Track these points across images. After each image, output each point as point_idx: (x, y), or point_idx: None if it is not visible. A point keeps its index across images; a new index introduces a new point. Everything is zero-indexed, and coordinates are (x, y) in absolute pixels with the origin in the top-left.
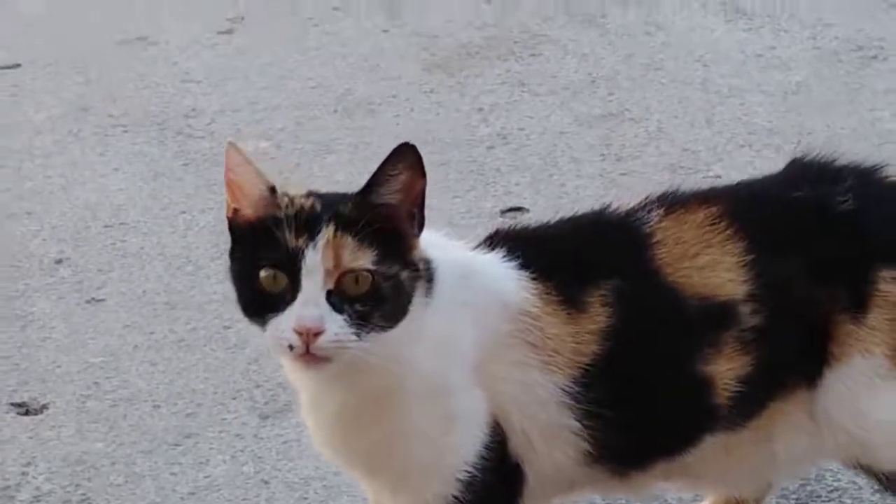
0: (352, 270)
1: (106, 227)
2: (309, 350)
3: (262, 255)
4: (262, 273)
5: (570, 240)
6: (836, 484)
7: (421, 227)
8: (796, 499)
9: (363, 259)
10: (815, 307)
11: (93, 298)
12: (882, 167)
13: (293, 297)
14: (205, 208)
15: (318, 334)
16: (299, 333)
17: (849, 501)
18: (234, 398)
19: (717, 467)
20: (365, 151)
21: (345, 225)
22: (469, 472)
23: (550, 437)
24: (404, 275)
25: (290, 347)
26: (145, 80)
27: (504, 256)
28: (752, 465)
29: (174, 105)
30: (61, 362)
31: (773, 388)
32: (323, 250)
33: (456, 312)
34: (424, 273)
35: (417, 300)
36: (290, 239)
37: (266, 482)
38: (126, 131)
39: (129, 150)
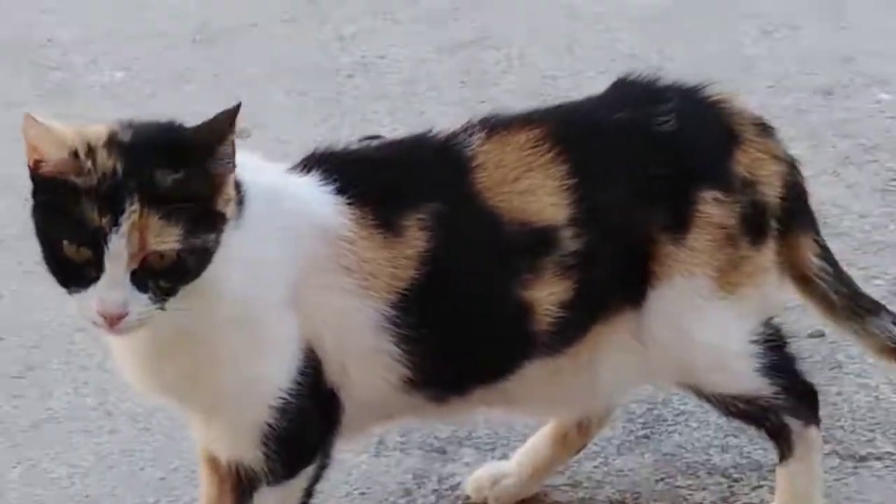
0: (156, 251)
1: None
2: (113, 328)
3: (64, 229)
4: (66, 244)
5: (389, 163)
6: (682, 408)
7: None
8: (643, 422)
9: (169, 239)
10: (637, 229)
11: None
12: (705, 87)
13: (97, 275)
14: None
15: (121, 317)
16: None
17: (695, 424)
18: (78, 330)
19: (539, 393)
20: (225, 81)
21: (151, 201)
22: (283, 399)
23: (368, 363)
24: (212, 237)
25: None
26: (0, 9)
27: (320, 179)
28: (576, 389)
29: (29, 35)
30: None
31: (596, 312)
32: (128, 234)
33: (268, 236)
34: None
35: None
36: (93, 217)
37: (109, 413)
38: None
39: None
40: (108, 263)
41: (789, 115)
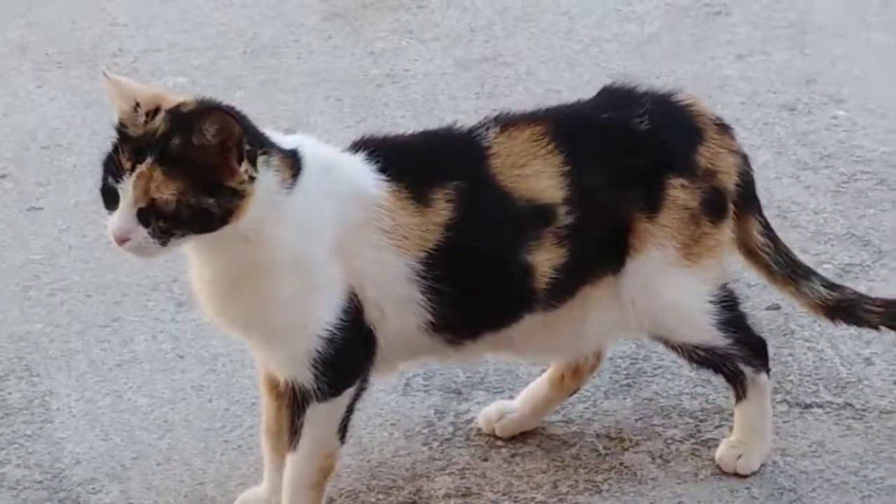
0: (154, 199)
1: (43, 147)
2: (120, 247)
3: (109, 165)
4: (107, 175)
5: (422, 148)
6: (659, 363)
7: (250, 159)
8: (626, 373)
9: (166, 192)
10: (619, 209)
11: (32, 207)
12: (675, 94)
13: (116, 204)
14: None
15: (125, 240)
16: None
17: (669, 376)
18: (154, 290)
19: (536, 341)
20: (270, 88)
21: (162, 159)
22: (329, 331)
23: (400, 307)
24: (210, 202)
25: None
26: (77, 23)
27: (366, 158)
28: (567, 338)
29: (103, 45)
30: (6, 258)
31: (584, 275)
32: (136, 179)
33: (319, 200)
34: (290, 165)
35: (277, 191)
36: (123, 160)
37: (182, 357)
38: (61, 67)
39: (63, 84)
40: (122, 198)
41: (758, 127)
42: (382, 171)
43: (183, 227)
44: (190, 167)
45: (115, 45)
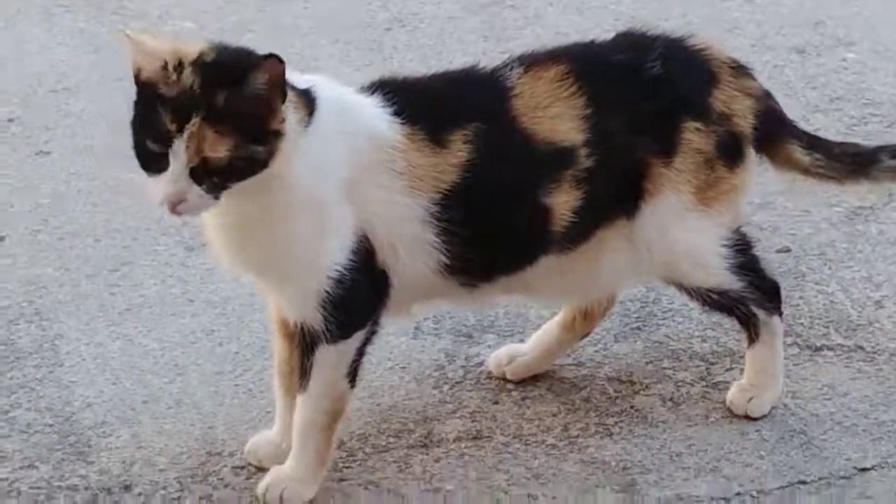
0: (208, 157)
1: (51, 91)
2: (175, 210)
3: (147, 127)
4: (147, 140)
5: (442, 90)
6: (669, 306)
7: (284, 97)
8: (637, 317)
9: (220, 148)
10: (635, 153)
11: (41, 151)
12: (688, 38)
13: (165, 168)
14: None
15: (180, 201)
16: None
17: (679, 319)
18: (163, 234)
19: (551, 283)
20: (280, 32)
21: (210, 116)
22: (338, 272)
23: (414, 249)
24: (260, 150)
25: (161, 204)
26: None
27: (382, 99)
28: (582, 281)
29: None
30: (15, 202)
31: (600, 219)
32: (187, 140)
33: (333, 140)
34: (306, 104)
35: (294, 129)
36: (166, 122)
37: (191, 301)
38: (68, 11)
39: (71, 28)
40: (173, 160)
41: (768, 70)
42: (398, 112)
43: (235, 177)
44: (240, 119)
45: None
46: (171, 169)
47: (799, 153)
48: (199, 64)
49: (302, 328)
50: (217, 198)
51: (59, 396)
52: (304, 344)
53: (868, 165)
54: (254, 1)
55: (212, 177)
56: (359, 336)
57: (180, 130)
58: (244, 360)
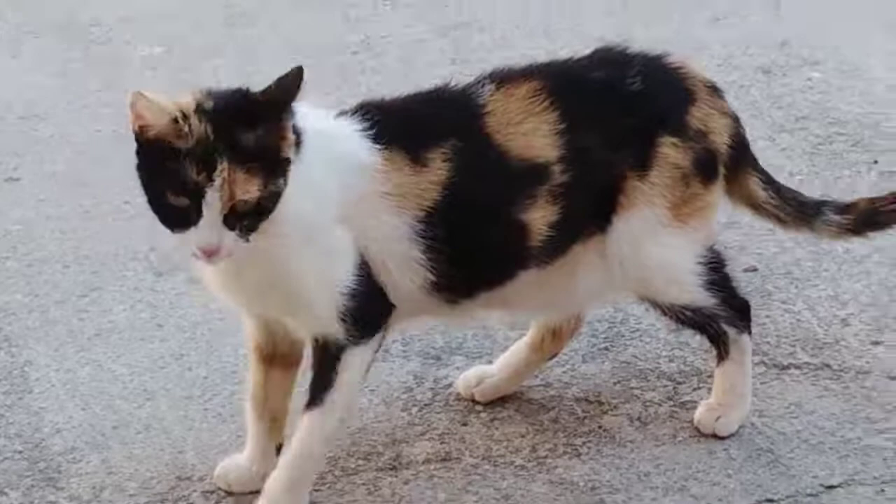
0: (241, 200)
1: (20, 118)
2: (209, 259)
3: (168, 182)
4: (170, 195)
5: (417, 110)
6: (637, 326)
7: (291, 118)
8: (605, 337)
9: (252, 189)
10: (610, 168)
11: (10, 177)
12: (665, 56)
13: (197, 219)
14: (106, 103)
15: (217, 251)
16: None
17: (647, 339)
18: (132, 259)
19: (529, 298)
20: (248, 56)
21: (236, 160)
22: (349, 287)
23: (402, 267)
24: (281, 181)
25: (195, 255)
26: None
27: (361, 124)
28: (559, 296)
29: (78, 15)
30: None
31: (575, 234)
32: (220, 188)
33: (321, 170)
34: (295, 133)
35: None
36: (192, 174)
37: (161, 325)
38: (37, 37)
39: (39, 54)
40: (206, 211)
41: (734, 90)
42: (378, 135)
43: (263, 216)
44: (262, 154)
45: (89, 14)
46: (204, 219)
47: (758, 186)
48: (202, 111)
49: (318, 340)
50: (248, 241)
51: (28, 423)
52: (324, 356)
53: (812, 217)
54: (221, 25)
55: (243, 220)
56: (377, 338)
57: (210, 179)
58: (213, 384)
